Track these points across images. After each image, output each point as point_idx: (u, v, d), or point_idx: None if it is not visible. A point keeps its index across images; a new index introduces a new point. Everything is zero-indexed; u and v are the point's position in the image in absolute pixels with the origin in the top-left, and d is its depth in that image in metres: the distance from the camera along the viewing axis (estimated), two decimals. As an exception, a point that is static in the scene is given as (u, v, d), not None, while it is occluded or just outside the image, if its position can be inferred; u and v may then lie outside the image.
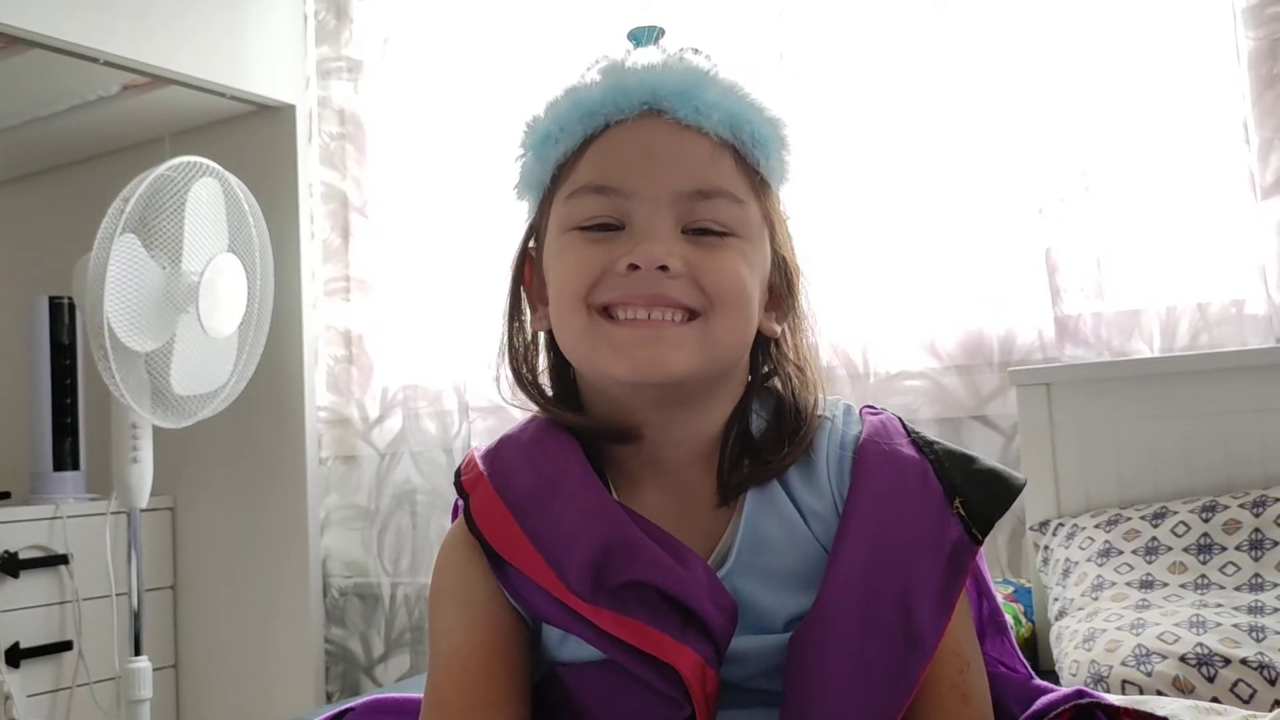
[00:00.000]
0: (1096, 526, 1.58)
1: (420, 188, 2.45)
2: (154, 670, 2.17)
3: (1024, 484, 0.80)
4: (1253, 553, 1.42)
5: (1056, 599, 1.54)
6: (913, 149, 1.96)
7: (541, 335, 0.88)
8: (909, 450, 0.81)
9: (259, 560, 2.54)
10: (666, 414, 0.81)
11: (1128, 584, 1.46)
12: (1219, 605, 1.35)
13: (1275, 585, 1.37)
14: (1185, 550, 1.47)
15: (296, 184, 2.52)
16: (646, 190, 0.78)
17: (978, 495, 0.79)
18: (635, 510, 0.80)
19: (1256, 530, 1.44)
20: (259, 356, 2.28)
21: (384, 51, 2.53)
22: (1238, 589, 1.38)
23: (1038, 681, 0.87)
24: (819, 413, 0.84)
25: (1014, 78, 1.87)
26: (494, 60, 2.33)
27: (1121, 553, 1.52)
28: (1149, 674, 1.24)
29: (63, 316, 2.53)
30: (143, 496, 2.19)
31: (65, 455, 2.52)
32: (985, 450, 1.80)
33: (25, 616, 2.33)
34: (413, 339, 2.46)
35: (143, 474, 2.18)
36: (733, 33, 2.07)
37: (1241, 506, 1.48)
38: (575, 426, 0.84)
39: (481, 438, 2.31)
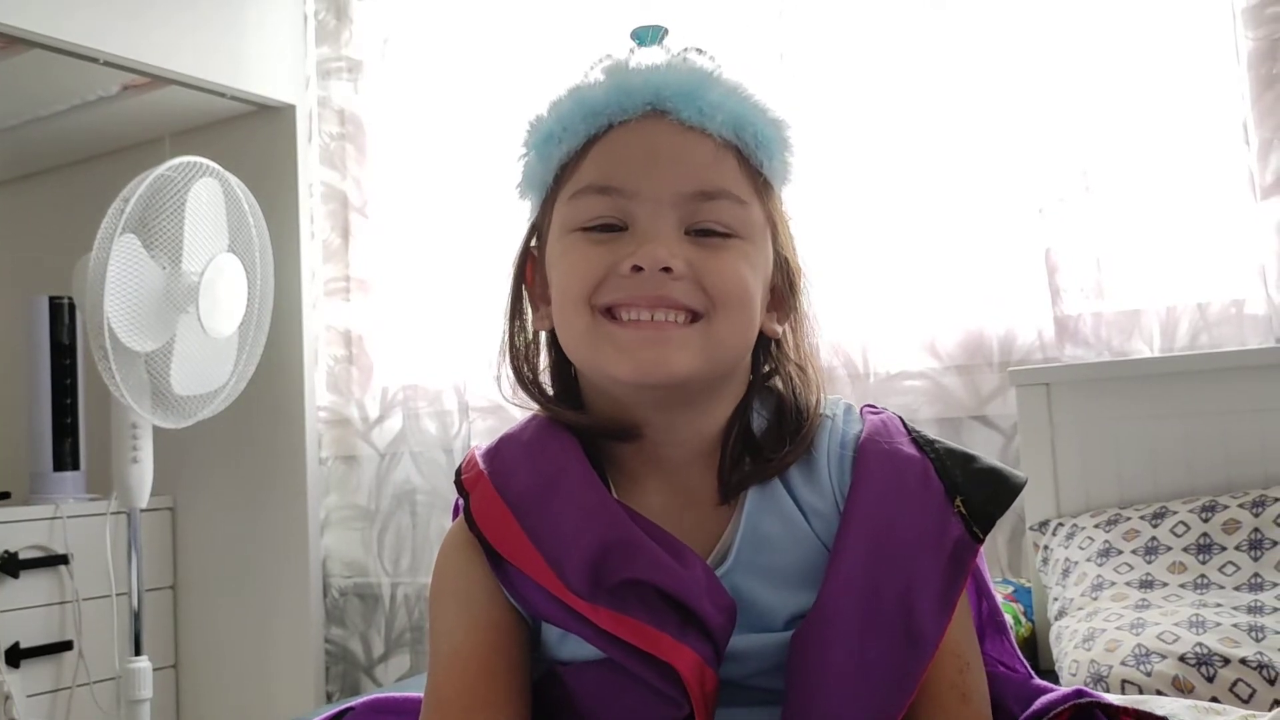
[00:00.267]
0: (1096, 526, 1.59)
1: (420, 188, 2.45)
2: (154, 670, 2.17)
3: (1025, 482, 0.81)
4: (1252, 553, 1.43)
5: (1056, 599, 1.54)
6: (913, 149, 1.96)
7: (543, 334, 0.88)
8: (910, 449, 0.81)
9: (259, 560, 2.54)
10: (668, 414, 0.81)
11: (1127, 584, 1.46)
12: (1218, 605, 1.35)
13: (1275, 585, 1.37)
14: (1185, 550, 1.47)
15: (296, 184, 2.52)
16: (650, 191, 0.78)
17: (979, 494, 0.79)
18: (636, 509, 0.80)
19: (1256, 530, 1.45)
20: (259, 356, 2.28)
21: (384, 51, 2.53)
22: (1237, 589, 1.39)
23: (1037, 681, 0.87)
24: (820, 412, 0.84)
25: (1014, 78, 1.87)
26: (494, 60, 2.33)
27: (1121, 552, 1.52)
28: (1148, 674, 1.25)
29: (63, 316, 2.52)
30: (143, 496, 2.18)
31: (65, 455, 2.52)
32: (985, 450, 1.77)
33: (25, 616, 2.33)
34: (413, 339, 2.46)
35: (143, 474, 2.18)
36: (733, 33, 2.07)
37: (1241, 506, 1.49)
38: (576, 425, 0.84)
39: (481, 437, 2.31)
